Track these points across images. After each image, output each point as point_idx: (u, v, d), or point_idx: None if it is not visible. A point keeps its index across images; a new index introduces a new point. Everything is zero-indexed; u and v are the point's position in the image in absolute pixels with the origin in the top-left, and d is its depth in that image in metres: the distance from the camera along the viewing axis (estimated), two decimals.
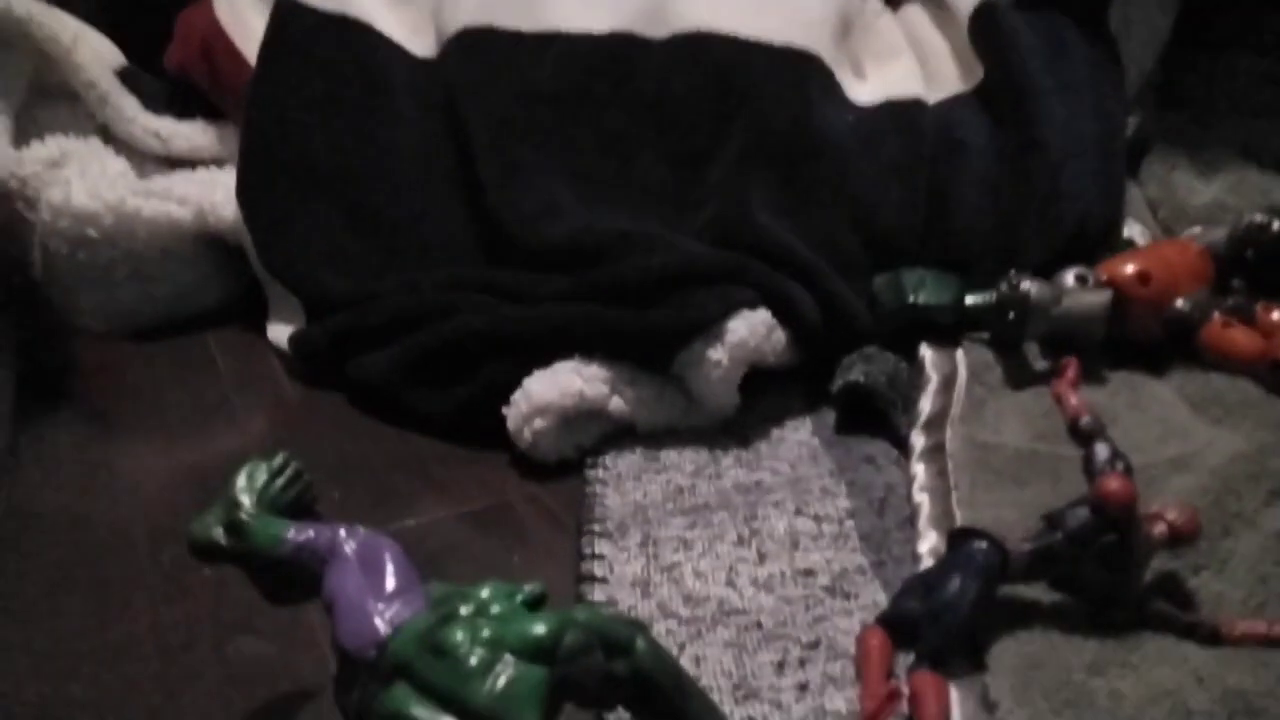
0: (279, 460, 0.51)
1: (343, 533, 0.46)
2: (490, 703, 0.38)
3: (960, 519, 0.61)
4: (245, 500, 0.48)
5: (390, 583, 0.44)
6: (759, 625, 0.55)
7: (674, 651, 0.53)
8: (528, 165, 0.85)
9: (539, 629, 0.40)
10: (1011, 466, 0.65)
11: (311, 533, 0.46)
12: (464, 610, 0.41)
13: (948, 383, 0.74)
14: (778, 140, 0.83)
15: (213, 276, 0.94)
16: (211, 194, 0.91)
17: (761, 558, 0.60)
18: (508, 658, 0.39)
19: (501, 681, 0.39)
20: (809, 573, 0.59)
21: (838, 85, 0.88)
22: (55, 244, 0.88)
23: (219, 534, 0.48)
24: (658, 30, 0.88)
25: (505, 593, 0.42)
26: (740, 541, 0.61)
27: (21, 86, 1.02)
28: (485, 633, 0.40)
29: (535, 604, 0.42)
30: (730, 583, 0.58)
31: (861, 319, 0.79)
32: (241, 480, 0.49)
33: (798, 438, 0.73)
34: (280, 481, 0.50)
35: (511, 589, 0.42)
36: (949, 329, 0.79)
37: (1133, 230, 0.93)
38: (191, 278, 0.93)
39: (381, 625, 0.41)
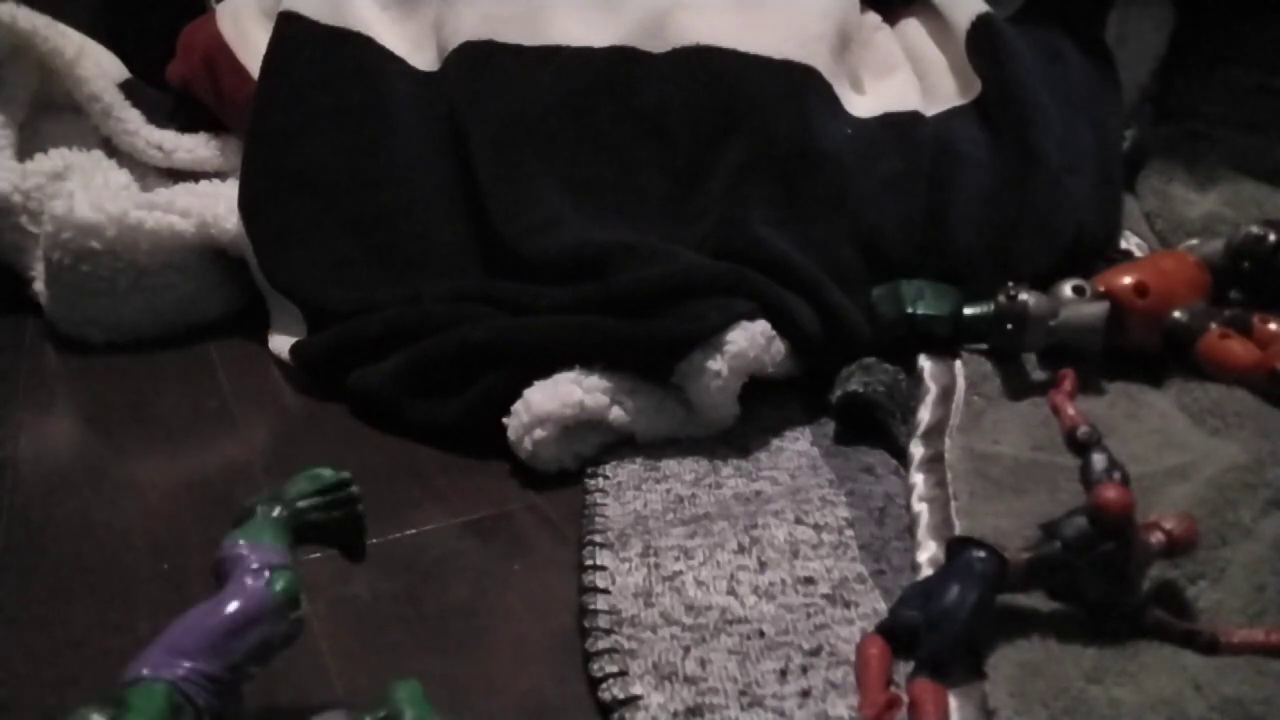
0: (334, 478, 0.51)
1: (247, 577, 0.45)
2: None
3: (959, 528, 0.61)
4: (277, 503, 0.49)
5: (183, 641, 0.43)
6: (761, 634, 0.55)
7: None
8: (528, 178, 0.86)
9: None
10: (1010, 476, 0.66)
11: (247, 553, 0.46)
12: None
13: (946, 393, 0.75)
14: (777, 153, 0.83)
15: (215, 288, 0.95)
16: (214, 206, 0.91)
17: (762, 566, 0.60)
18: None
19: None
20: (809, 581, 0.59)
21: (836, 98, 0.88)
22: (58, 256, 0.89)
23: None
24: (657, 45, 0.89)
25: None
26: (741, 550, 0.61)
27: (25, 99, 1.03)
28: None
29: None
30: (732, 591, 0.58)
31: (860, 330, 0.79)
32: (301, 483, 0.51)
33: (797, 448, 0.73)
34: (317, 501, 0.51)
35: None
36: (947, 340, 0.79)
37: (1130, 242, 0.93)
38: (194, 289, 0.93)
39: (137, 666, 0.42)
